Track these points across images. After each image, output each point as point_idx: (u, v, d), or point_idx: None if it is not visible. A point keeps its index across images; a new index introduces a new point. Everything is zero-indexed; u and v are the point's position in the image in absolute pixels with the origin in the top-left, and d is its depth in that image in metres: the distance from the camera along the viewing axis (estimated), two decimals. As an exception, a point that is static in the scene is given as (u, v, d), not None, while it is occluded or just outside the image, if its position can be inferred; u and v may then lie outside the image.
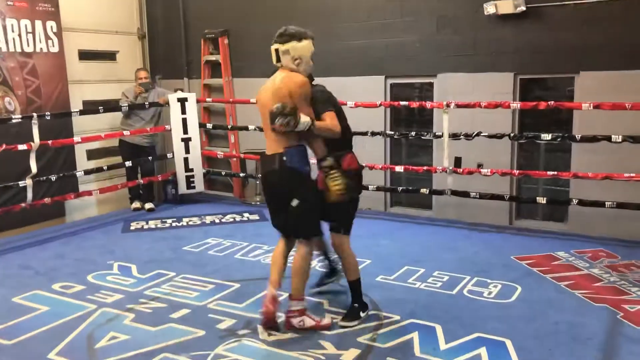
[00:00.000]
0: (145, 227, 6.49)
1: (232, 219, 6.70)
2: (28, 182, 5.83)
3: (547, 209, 6.07)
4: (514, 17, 5.76)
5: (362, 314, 3.88)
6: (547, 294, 4.30)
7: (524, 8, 5.66)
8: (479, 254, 5.28)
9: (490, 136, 5.77)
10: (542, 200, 5.71)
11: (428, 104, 6.06)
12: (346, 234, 3.85)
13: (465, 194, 5.99)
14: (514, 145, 6.06)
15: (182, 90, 7.65)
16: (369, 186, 6.42)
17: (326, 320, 3.82)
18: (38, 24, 6.58)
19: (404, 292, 4.39)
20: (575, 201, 5.55)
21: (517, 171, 5.85)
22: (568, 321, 3.83)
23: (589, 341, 3.56)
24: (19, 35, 6.41)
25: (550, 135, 5.51)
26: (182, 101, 7.16)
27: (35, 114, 5.88)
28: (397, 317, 3.90)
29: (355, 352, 3.45)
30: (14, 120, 5.84)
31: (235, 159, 7.72)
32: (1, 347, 3.62)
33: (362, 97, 6.37)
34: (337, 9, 6.82)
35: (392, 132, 6.48)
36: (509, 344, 3.52)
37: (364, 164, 6.28)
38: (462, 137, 5.86)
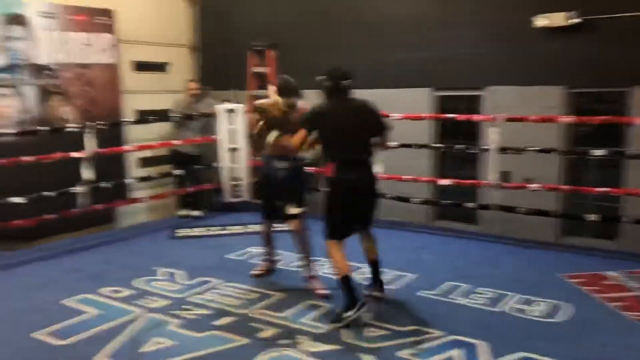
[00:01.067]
0: (191, 234, 6.63)
1: (275, 228, 6.75)
2: (81, 188, 6.05)
3: (597, 226, 5.88)
4: (565, 29, 5.65)
5: (345, 314, 3.96)
6: (596, 315, 4.17)
7: (577, 20, 5.55)
8: (525, 270, 5.16)
9: (538, 151, 5.65)
10: (591, 217, 5.54)
11: (476, 117, 5.98)
12: (327, 238, 4.15)
13: (511, 209, 5.88)
14: (562, 160, 5.91)
15: (229, 101, 7.80)
16: (413, 199, 6.38)
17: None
18: (95, 36, 6.85)
19: (446, 308, 4.33)
20: (626, 218, 5.37)
21: (566, 187, 5.70)
22: (617, 344, 3.70)
23: (639, 365, 3.43)
24: (78, 47, 6.68)
25: (601, 150, 5.36)
26: (230, 112, 7.30)
27: (89, 123, 6.12)
28: (439, 333, 3.86)
29: (395, 366, 3.44)
30: (70, 129, 6.08)
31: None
32: (52, 347, 3.77)
33: (408, 109, 6.35)
34: (385, 20, 6.83)
35: (438, 145, 6.42)
36: (554, 364, 3.43)
37: (407, 177, 6.28)
38: (510, 151, 5.76)
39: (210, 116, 7.33)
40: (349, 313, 3.96)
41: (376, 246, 4.43)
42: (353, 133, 4.09)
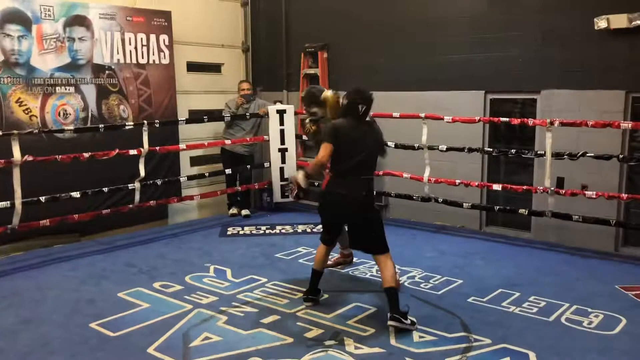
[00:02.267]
0: (241, 232, 6.72)
1: (323, 230, 6.77)
2: (136, 185, 6.23)
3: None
4: (627, 31, 5.44)
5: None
6: (656, 329, 4.00)
7: (639, 22, 5.34)
8: (580, 280, 4.99)
9: (597, 157, 5.46)
10: (653, 227, 5.31)
11: (530, 121, 5.83)
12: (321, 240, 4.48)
13: (567, 217, 5.70)
14: (622, 167, 5.70)
15: (281, 102, 7.88)
16: (464, 203, 6.28)
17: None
18: (152, 37, 7.05)
19: (496, 316, 4.24)
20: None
21: (626, 195, 5.48)
22: (678, 360, 3.53)
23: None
24: (135, 48, 6.89)
25: (665, 158, 5.13)
26: (281, 113, 7.37)
27: (145, 122, 6.30)
28: (489, 341, 3.78)
29: (442, 373, 3.38)
30: (127, 127, 6.27)
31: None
32: (106, 337, 3.89)
33: (461, 112, 6.26)
34: (437, 22, 6.76)
35: (491, 149, 6.29)
36: (610, 379, 3.31)
37: (458, 181, 6.19)
38: (565, 156, 5.59)
39: (262, 117, 7.42)
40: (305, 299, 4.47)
41: (388, 272, 4.08)
42: (365, 152, 4.18)
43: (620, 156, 5.45)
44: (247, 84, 7.60)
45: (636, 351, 3.67)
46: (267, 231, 6.75)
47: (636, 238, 5.84)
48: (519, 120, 5.89)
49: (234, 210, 7.55)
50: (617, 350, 3.67)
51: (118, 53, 6.76)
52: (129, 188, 6.24)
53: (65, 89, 6.36)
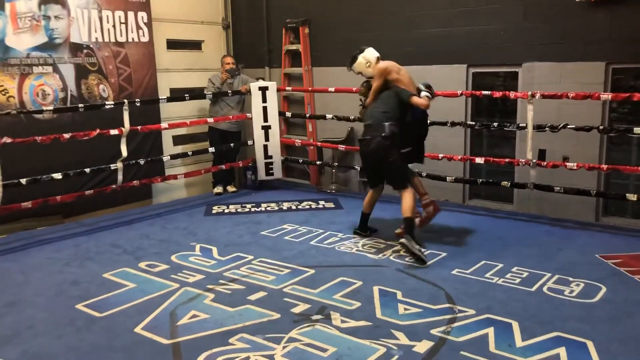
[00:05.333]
0: (226, 211, 6.72)
1: (308, 206, 6.80)
2: (119, 165, 6.18)
3: (638, 206, 5.73)
4: (608, 2, 5.45)
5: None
6: (635, 296, 4.08)
7: (619, -7, 5.36)
8: (562, 250, 5.08)
9: (577, 129, 5.51)
10: (632, 197, 5.39)
11: (512, 94, 5.86)
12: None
13: (549, 188, 5.77)
14: (603, 138, 5.76)
15: (263, 79, 7.81)
16: (447, 177, 6.32)
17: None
18: (130, 15, 6.93)
19: (480, 287, 4.30)
20: (669, 199, 5.21)
21: (606, 166, 5.56)
22: (656, 325, 3.63)
23: (679, 348, 3.36)
24: (113, 26, 6.77)
25: (643, 128, 5.19)
26: (263, 90, 7.32)
27: (126, 101, 6.21)
28: (473, 312, 3.84)
29: (428, 343, 3.44)
30: (107, 106, 6.18)
31: (312, 147, 7.82)
32: (93, 318, 3.89)
33: (443, 86, 6.26)
34: (419, -4, 6.72)
35: (473, 123, 6.32)
36: (590, 345, 3.38)
37: (441, 155, 6.22)
38: (547, 129, 5.64)
39: (244, 94, 7.37)
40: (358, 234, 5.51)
41: (405, 205, 4.97)
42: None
43: (601, 127, 5.51)
44: (231, 58, 7.52)
45: (615, 317, 3.76)
46: (253, 209, 6.75)
47: (616, 208, 5.94)
48: (501, 93, 5.91)
49: (219, 189, 7.53)
50: (597, 317, 3.76)
51: (96, 31, 6.64)
52: (112, 168, 6.19)
53: (43, 69, 6.25)
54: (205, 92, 7.18)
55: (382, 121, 4.99)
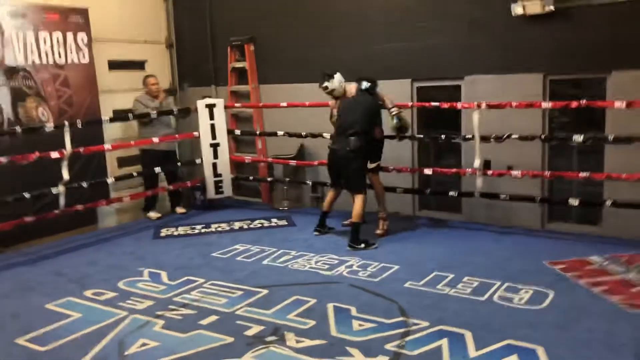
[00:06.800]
0: (175, 233, 6.57)
1: (260, 225, 6.73)
2: (61, 189, 5.94)
3: (581, 211, 5.93)
4: (542, 17, 5.65)
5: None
6: (581, 300, 4.20)
7: (552, 8, 5.56)
8: (510, 258, 5.19)
9: (521, 138, 5.66)
10: (574, 202, 5.57)
11: (459, 105, 5.98)
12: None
13: (495, 196, 5.90)
14: (544, 147, 5.94)
15: (210, 97, 7.73)
16: (397, 189, 6.38)
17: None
18: (69, 35, 6.73)
19: (432, 299, 4.34)
20: (609, 203, 5.41)
21: (549, 172, 5.73)
22: (602, 329, 3.73)
23: (623, 348, 3.46)
24: (51, 47, 6.56)
25: (582, 136, 5.38)
26: (210, 107, 7.23)
27: (67, 122, 6.01)
28: (426, 324, 3.86)
29: (383, 359, 3.42)
30: (47, 129, 5.95)
31: (262, 164, 7.76)
32: (35, 353, 3.70)
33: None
34: (364, 13, 6.80)
35: (422, 136, 6.41)
36: (540, 351, 3.45)
37: (391, 167, 6.28)
38: (492, 139, 5.77)
39: (185, 112, 7.25)
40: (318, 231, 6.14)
41: (355, 210, 5.67)
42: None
43: (542, 137, 5.69)
44: (155, 79, 7.25)
45: (564, 322, 3.85)
46: (203, 230, 6.62)
47: (560, 214, 6.12)
48: (449, 104, 6.01)
49: (157, 214, 7.26)
50: (546, 323, 3.84)
51: (33, 53, 6.41)
52: (53, 193, 5.95)
53: (-23, 93, 5.98)
54: (134, 113, 6.93)
55: (350, 135, 5.58)
